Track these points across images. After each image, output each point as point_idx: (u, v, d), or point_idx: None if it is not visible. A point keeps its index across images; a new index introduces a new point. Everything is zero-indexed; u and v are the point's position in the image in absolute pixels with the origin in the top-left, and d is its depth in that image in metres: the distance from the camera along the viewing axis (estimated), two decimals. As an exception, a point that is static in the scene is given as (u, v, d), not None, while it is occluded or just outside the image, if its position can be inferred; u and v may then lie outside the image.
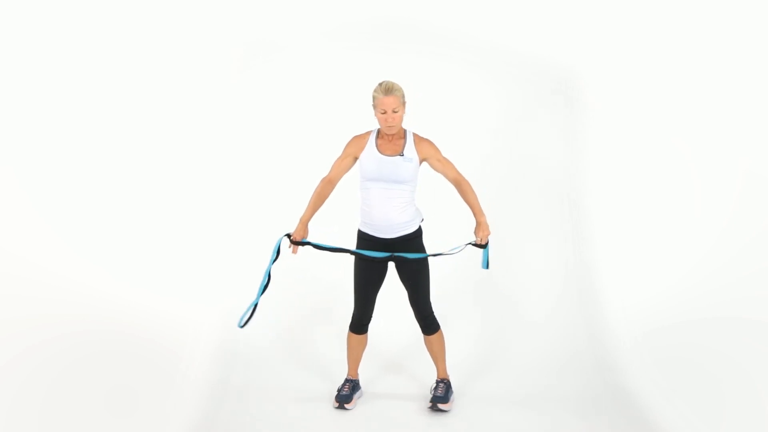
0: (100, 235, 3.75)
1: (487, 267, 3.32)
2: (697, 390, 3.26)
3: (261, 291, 3.18)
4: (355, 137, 3.29)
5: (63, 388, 2.95)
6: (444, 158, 3.25)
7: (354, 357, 3.49)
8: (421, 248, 3.30)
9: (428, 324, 3.38)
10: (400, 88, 3.15)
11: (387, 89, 3.12)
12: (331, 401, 3.42)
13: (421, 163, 3.24)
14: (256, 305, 3.16)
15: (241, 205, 4.26)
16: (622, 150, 4.22)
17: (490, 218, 3.25)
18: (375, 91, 3.15)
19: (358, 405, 3.44)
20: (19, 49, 3.56)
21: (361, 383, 3.56)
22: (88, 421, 2.89)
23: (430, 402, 3.36)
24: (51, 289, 3.38)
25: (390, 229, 3.22)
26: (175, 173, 4.10)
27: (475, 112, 4.37)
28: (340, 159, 3.27)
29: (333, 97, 4.30)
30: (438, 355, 3.45)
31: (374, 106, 3.17)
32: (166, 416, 3.16)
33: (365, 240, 3.28)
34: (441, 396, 3.37)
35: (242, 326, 3.15)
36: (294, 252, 3.23)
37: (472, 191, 3.24)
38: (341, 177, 3.29)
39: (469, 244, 3.26)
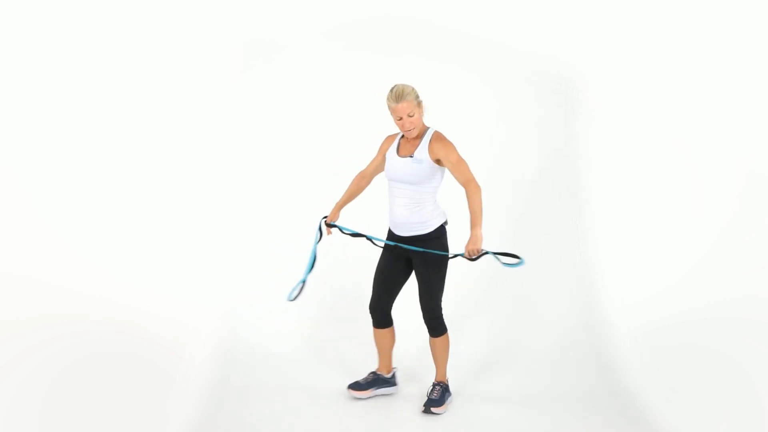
0: (100, 235, 3.75)
1: (509, 265, 3.08)
2: (697, 390, 3.26)
3: (309, 270, 3.32)
4: (388, 136, 3.38)
5: (63, 388, 2.94)
6: (457, 159, 3.12)
7: (379, 351, 3.51)
8: (439, 249, 3.22)
9: (434, 326, 3.37)
10: (412, 91, 3.09)
11: (398, 96, 3.06)
12: (333, 401, 3.43)
13: (439, 164, 3.18)
14: (304, 282, 3.28)
15: (240, 205, 4.26)
16: (622, 150, 4.22)
17: (488, 218, 3.15)
18: (387, 99, 3.11)
19: (359, 405, 3.43)
20: (19, 49, 3.55)
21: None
22: (88, 421, 2.88)
23: (424, 405, 3.35)
24: (51, 289, 3.37)
25: (403, 228, 3.24)
26: (175, 173, 4.09)
27: (475, 112, 4.36)
28: (375, 156, 3.39)
29: (333, 97, 4.30)
30: (439, 359, 3.43)
31: (390, 113, 3.15)
32: (166, 416, 3.16)
33: (389, 235, 3.35)
34: (435, 399, 3.36)
35: (292, 300, 3.26)
36: (328, 233, 3.41)
37: (476, 198, 3.06)
38: (374, 172, 3.41)
39: (458, 255, 3.15)
